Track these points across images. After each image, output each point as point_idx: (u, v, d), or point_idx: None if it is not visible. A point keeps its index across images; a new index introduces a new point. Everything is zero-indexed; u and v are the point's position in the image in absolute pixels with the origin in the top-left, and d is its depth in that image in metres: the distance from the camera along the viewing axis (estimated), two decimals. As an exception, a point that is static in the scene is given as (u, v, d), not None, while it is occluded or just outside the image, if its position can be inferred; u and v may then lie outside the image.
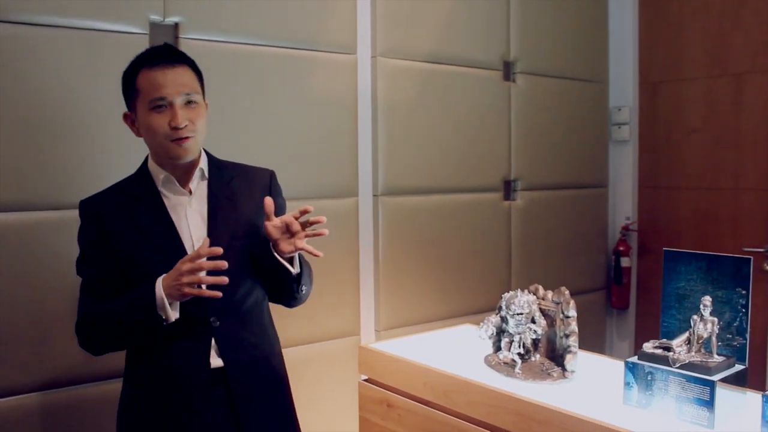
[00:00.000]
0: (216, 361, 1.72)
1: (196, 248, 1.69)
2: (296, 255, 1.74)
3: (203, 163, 1.80)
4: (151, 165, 1.78)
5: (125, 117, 1.77)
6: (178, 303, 1.64)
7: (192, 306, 1.68)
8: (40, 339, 2.16)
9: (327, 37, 2.76)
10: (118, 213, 1.73)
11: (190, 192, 1.77)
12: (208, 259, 1.58)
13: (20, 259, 2.13)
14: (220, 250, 1.57)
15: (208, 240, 1.62)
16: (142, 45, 2.29)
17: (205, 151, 1.84)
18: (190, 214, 1.76)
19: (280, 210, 1.85)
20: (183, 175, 1.77)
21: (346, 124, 2.83)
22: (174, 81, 1.67)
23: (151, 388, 1.74)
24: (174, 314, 1.63)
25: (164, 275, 1.63)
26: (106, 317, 1.69)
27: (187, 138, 1.68)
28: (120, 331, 1.69)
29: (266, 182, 1.88)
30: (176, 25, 2.39)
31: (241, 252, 1.76)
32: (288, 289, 1.77)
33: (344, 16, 2.81)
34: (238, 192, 1.82)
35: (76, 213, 2.17)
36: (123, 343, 1.76)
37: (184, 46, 2.37)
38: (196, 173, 1.78)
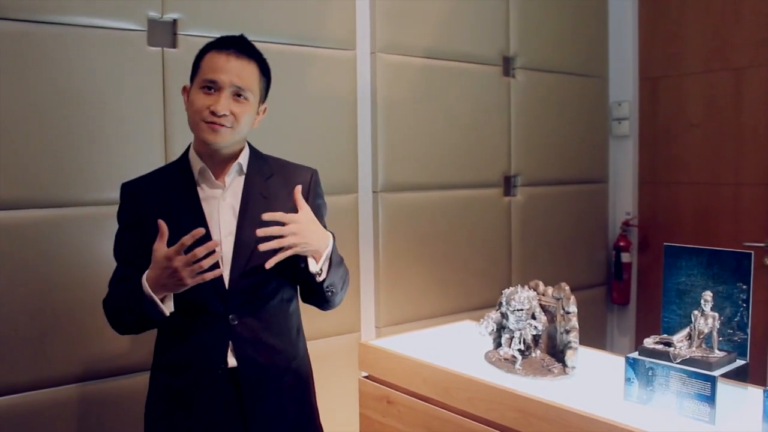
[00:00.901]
0: (233, 360, 1.71)
1: (222, 242, 1.71)
2: (325, 256, 1.70)
3: (243, 158, 1.78)
4: (191, 154, 1.77)
5: (183, 89, 1.77)
6: (171, 295, 1.62)
7: (212, 302, 1.69)
8: (42, 336, 2.16)
9: (326, 33, 2.75)
10: (154, 199, 1.73)
11: (225, 185, 1.76)
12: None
13: (22, 256, 2.13)
14: (200, 235, 1.56)
15: (201, 231, 1.57)
16: (140, 42, 2.30)
17: (250, 145, 1.82)
18: (222, 208, 1.74)
19: (317, 211, 1.81)
20: (218, 167, 1.75)
21: (345, 120, 2.83)
22: (231, 70, 1.67)
23: (169, 380, 1.75)
24: (168, 309, 1.62)
25: (147, 271, 1.61)
26: (113, 307, 1.72)
27: (222, 126, 1.66)
28: (126, 322, 1.70)
29: (306, 182, 1.83)
30: (174, 22, 2.38)
31: (269, 252, 1.70)
32: (317, 291, 1.74)
33: (343, 12, 2.80)
34: (274, 190, 1.78)
35: (76, 210, 2.20)
36: (136, 329, 1.74)
37: (183, 43, 2.36)
38: (233, 167, 1.76)
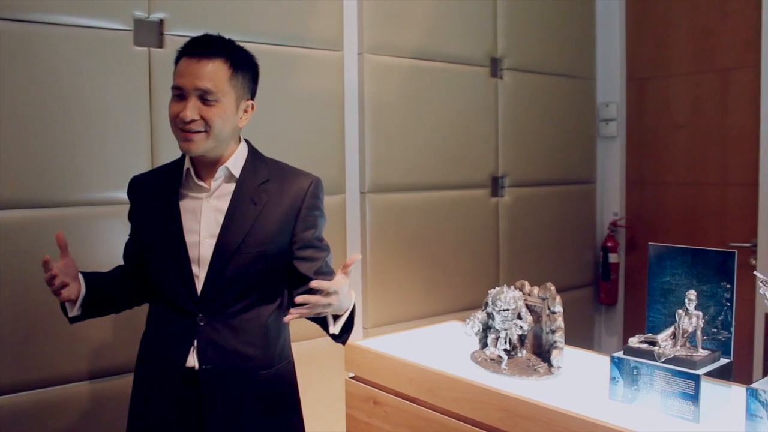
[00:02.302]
0: (192, 360, 1.69)
1: (201, 244, 1.70)
2: (346, 316, 1.66)
3: (233, 162, 1.73)
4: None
5: None
6: (77, 302, 1.68)
7: (183, 301, 1.69)
8: (30, 337, 2.14)
9: (313, 34, 2.75)
10: (147, 195, 1.79)
11: (210, 189, 1.73)
12: None
13: (6, 257, 2.11)
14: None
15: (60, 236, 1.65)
16: (127, 42, 2.29)
17: (250, 146, 1.80)
18: (204, 210, 1.72)
19: (311, 222, 1.78)
20: (205, 169, 1.74)
21: (332, 121, 2.82)
22: (194, 73, 1.62)
23: (138, 374, 1.79)
24: (71, 312, 1.69)
25: None
26: None
27: (193, 133, 1.64)
28: None
29: (302, 191, 1.76)
30: (161, 22, 2.37)
31: (249, 258, 1.70)
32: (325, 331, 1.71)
33: (330, 13, 2.80)
34: (266, 195, 1.73)
35: (61, 211, 2.19)
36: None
37: (169, 43, 2.36)
38: (220, 172, 1.73)
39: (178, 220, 1.71)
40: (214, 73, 1.63)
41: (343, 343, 1.72)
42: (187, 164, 1.74)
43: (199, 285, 1.69)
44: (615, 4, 3.83)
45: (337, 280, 1.56)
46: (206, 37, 1.70)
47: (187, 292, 1.68)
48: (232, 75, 1.66)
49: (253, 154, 1.80)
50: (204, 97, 1.63)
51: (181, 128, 1.64)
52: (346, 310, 1.66)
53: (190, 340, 1.69)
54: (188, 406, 1.69)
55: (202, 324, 1.69)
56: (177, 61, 1.69)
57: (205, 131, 1.64)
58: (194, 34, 2.24)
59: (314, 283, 1.54)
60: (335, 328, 1.65)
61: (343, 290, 1.59)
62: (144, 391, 1.76)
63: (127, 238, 1.89)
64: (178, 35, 2.37)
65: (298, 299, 1.50)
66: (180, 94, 1.64)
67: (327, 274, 1.75)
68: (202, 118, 1.63)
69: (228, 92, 1.66)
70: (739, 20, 3.35)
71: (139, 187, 1.83)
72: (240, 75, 1.69)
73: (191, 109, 1.62)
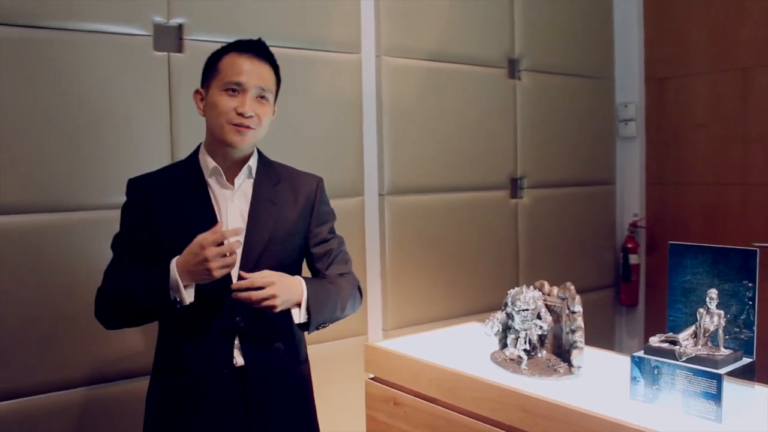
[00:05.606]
0: (239, 360, 1.73)
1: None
2: (304, 305, 1.71)
3: (252, 161, 1.81)
4: (202, 154, 1.79)
5: (196, 93, 1.79)
6: (193, 285, 1.62)
7: (221, 303, 1.70)
8: (48, 340, 2.17)
9: (331, 37, 2.76)
10: (164, 197, 1.74)
11: (234, 187, 1.77)
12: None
13: (30, 260, 2.14)
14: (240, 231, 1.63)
15: (241, 229, 1.64)
16: (146, 47, 2.31)
17: (258, 149, 1.85)
18: (230, 210, 1.76)
19: (324, 218, 1.89)
20: (231, 168, 1.77)
21: (350, 123, 2.83)
22: (255, 72, 1.71)
23: (173, 380, 1.74)
24: (189, 297, 1.61)
25: (178, 257, 1.61)
26: (118, 293, 1.68)
27: (248, 128, 1.70)
28: (131, 309, 1.68)
29: (312, 189, 1.88)
30: (180, 27, 2.39)
31: (275, 256, 1.76)
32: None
33: (348, 16, 2.81)
34: (282, 195, 1.81)
35: (82, 215, 2.21)
36: (134, 321, 1.73)
37: (189, 48, 2.38)
38: (244, 169, 1.78)
39: (214, 221, 1.70)
40: (268, 74, 1.76)
41: (309, 331, 1.75)
42: (212, 163, 1.76)
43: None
44: (633, 4, 3.81)
45: (265, 278, 1.64)
46: (261, 41, 1.78)
47: (225, 293, 1.68)
48: (276, 80, 1.79)
49: (262, 157, 1.86)
50: (260, 95, 1.72)
51: (237, 122, 1.69)
52: (302, 297, 1.70)
53: (231, 341, 1.72)
54: (236, 405, 1.73)
55: (242, 325, 1.73)
56: (220, 58, 1.74)
57: (255, 128, 1.72)
58: (213, 39, 2.27)
59: (235, 285, 1.64)
60: (299, 317, 1.71)
61: (282, 282, 1.66)
62: (179, 399, 1.73)
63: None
64: (197, 40, 2.39)
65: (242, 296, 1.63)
66: (235, 90, 1.70)
67: (345, 262, 1.89)
68: (256, 114, 1.71)
69: (273, 95, 1.78)
70: (760, 18, 3.31)
71: (152, 188, 1.77)
72: (278, 81, 1.80)
73: (250, 105, 1.70)
